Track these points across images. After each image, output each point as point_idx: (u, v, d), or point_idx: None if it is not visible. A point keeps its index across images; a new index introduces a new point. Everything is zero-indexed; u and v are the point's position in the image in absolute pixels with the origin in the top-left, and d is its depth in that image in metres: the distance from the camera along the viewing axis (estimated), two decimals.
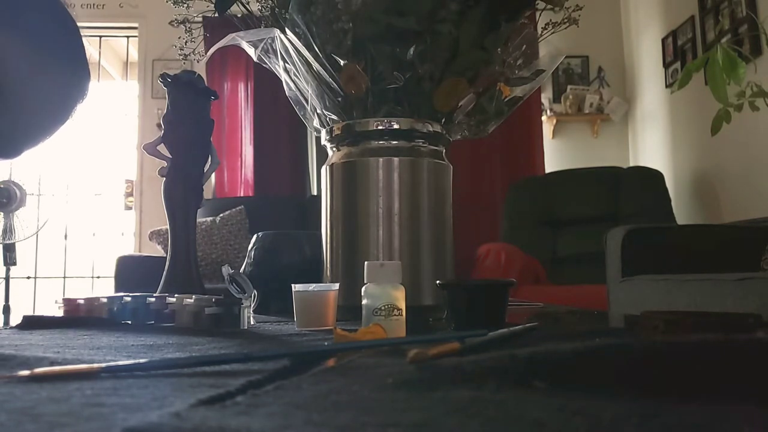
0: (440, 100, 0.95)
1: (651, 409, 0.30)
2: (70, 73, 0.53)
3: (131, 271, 2.73)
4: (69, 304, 0.85)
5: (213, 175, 2.51)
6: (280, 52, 0.95)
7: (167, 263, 0.98)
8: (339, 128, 0.96)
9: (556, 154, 3.88)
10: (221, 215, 3.21)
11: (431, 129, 0.95)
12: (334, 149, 0.99)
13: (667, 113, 3.50)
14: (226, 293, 0.81)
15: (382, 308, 0.66)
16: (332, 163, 0.97)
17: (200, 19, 1.19)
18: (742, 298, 1.45)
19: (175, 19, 1.09)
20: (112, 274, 2.83)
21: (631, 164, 3.76)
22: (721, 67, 1.71)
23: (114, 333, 0.70)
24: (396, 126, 0.93)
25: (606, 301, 2.15)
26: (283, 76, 1.00)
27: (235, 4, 1.02)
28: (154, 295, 0.85)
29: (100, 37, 4.20)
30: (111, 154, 4.35)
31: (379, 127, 0.93)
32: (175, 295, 0.81)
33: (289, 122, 3.70)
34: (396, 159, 0.93)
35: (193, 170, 1.01)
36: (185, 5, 1.06)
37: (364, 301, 0.67)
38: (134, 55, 4.12)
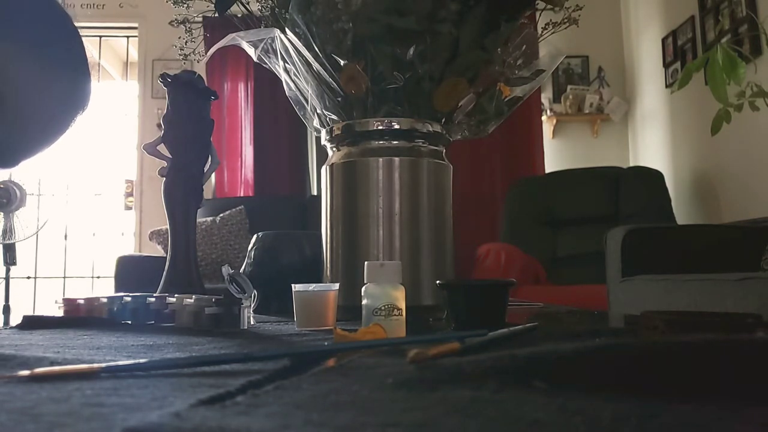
0: (440, 100, 0.95)
1: (651, 409, 0.30)
2: (71, 83, 0.52)
3: (131, 271, 2.73)
4: (69, 304, 0.85)
5: (213, 175, 2.51)
6: (280, 52, 0.95)
7: (167, 263, 0.98)
8: (339, 128, 0.96)
9: (556, 154, 3.88)
10: (221, 215, 3.21)
11: (431, 129, 0.95)
12: (334, 149, 0.99)
13: (667, 113, 3.50)
14: (226, 293, 0.81)
15: (382, 308, 0.66)
16: (332, 163, 0.97)
17: (200, 19, 1.19)
18: (742, 298, 1.45)
19: (175, 19, 1.09)
20: (112, 274, 2.83)
21: (631, 164, 3.76)
22: (721, 67, 1.71)
23: (114, 333, 0.70)
24: (396, 126, 0.93)
25: (606, 301, 2.15)
26: (283, 76, 1.00)
27: (235, 4, 1.02)
28: (154, 295, 0.85)
29: (100, 37, 4.20)
30: (111, 154, 4.35)
31: (379, 127, 0.93)
32: (175, 295, 0.80)
33: (289, 122, 3.70)
34: (396, 159, 0.93)
35: (193, 170, 1.01)
36: (185, 5, 1.06)
37: (364, 301, 0.67)
38: (134, 55, 4.12)
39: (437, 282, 0.81)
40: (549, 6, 1.00)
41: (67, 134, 0.53)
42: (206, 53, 1.10)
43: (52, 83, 0.51)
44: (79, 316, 0.83)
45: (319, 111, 1.00)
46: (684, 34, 3.29)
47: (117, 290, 2.57)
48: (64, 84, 0.52)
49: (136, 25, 3.95)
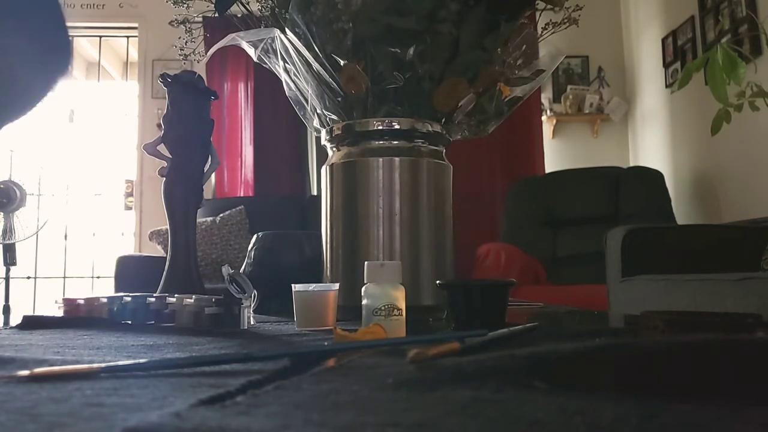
0: (440, 100, 0.95)
1: (651, 409, 0.30)
2: (50, 47, 0.52)
3: (131, 271, 2.73)
4: (69, 304, 0.85)
5: (213, 175, 2.51)
6: (280, 52, 0.95)
7: (167, 263, 0.98)
8: (339, 128, 0.96)
9: (556, 154, 3.88)
10: (221, 215, 3.21)
11: (431, 129, 0.95)
12: (334, 149, 0.99)
13: (667, 113, 3.50)
14: (226, 293, 0.81)
15: (382, 308, 0.66)
16: (332, 163, 0.97)
17: (200, 19, 1.19)
18: (742, 298, 1.45)
19: (175, 19, 1.09)
20: (112, 274, 2.83)
21: (631, 164, 3.76)
22: (721, 67, 1.71)
23: (114, 333, 0.70)
24: (396, 126, 0.93)
25: (606, 301, 2.15)
26: (283, 76, 1.00)
27: (235, 4, 1.02)
28: (154, 295, 0.85)
29: (100, 37, 4.20)
30: (111, 154, 4.36)
31: (379, 127, 0.93)
32: (175, 295, 0.80)
33: (289, 122, 3.70)
34: (396, 159, 0.93)
35: (193, 170, 1.01)
36: (185, 5, 1.06)
37: (364, 301, 0.67)
38: (134, 55, 4.12)
39: (437, 282, 0.81)
40: (549, 6, 1.00)
41: (47, 99, 0.53)
42: (206, 53, 1.10)
43: (30, 47, 0.51)
44: (79, 316, 0.83)
45: (319, 111, 1.00)
46: (684, 34, 3.29)
47: (117, 290, 2.57)
48: (43, 48, 0.52)
49: (136, 25, 3.95)
